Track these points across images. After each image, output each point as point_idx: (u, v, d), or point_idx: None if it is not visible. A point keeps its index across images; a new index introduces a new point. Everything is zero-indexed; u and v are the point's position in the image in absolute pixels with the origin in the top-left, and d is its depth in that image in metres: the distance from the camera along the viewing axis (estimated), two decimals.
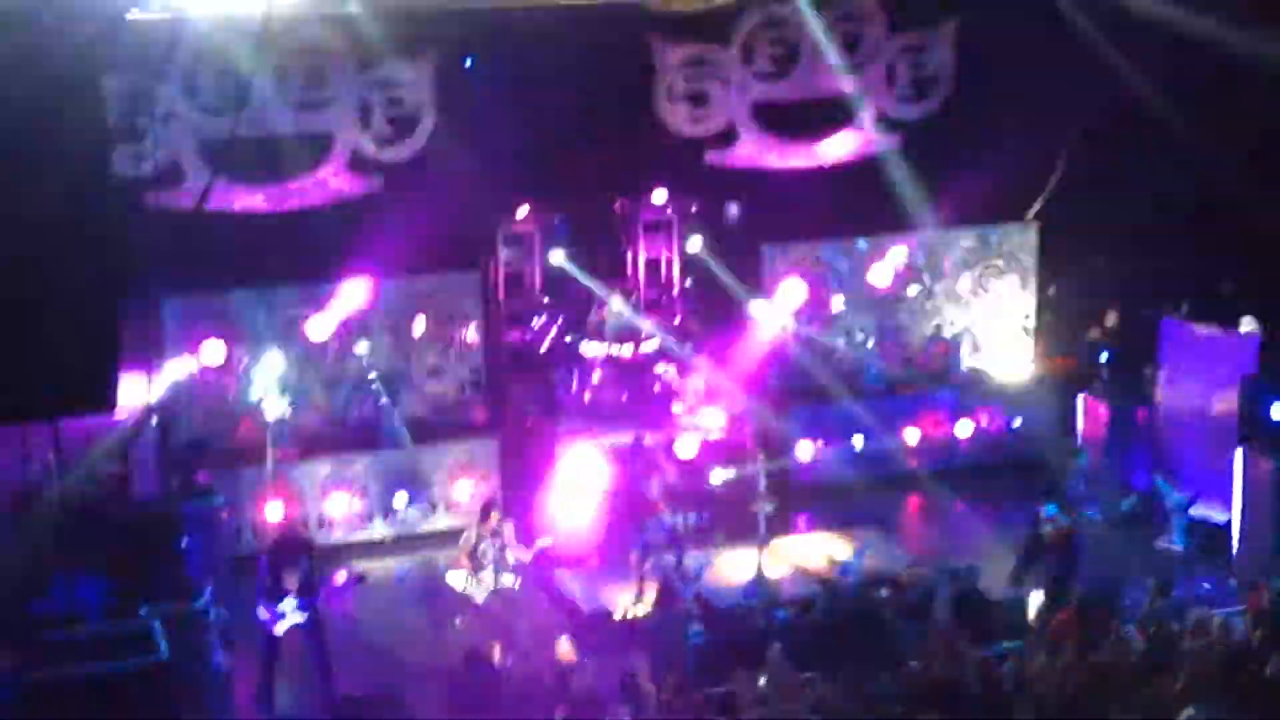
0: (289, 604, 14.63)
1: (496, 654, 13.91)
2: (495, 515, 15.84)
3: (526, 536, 16.17)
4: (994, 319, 21.04)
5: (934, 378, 20.55)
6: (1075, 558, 16.00)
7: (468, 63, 19.07)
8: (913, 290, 20.54)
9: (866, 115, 20.80)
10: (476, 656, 13.71)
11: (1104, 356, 19.24)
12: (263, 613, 14.69)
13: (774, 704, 12.12)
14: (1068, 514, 16.26)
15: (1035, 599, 14.84)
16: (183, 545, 15.09)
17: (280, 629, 14.69)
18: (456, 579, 15.69)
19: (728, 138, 20.65)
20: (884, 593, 14.62)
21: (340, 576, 15.34)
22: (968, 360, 20.72)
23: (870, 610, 14.40)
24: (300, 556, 14.88)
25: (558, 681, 13.51)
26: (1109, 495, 18.46)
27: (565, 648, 14.06)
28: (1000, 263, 20.99)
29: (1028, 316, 21.16)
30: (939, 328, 20.82)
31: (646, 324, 19.54)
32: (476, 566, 15.53)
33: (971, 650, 12.72)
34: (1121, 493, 18.44)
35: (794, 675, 12.66)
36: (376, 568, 17.63)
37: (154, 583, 14.30)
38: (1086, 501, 16.52)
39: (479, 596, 15.62)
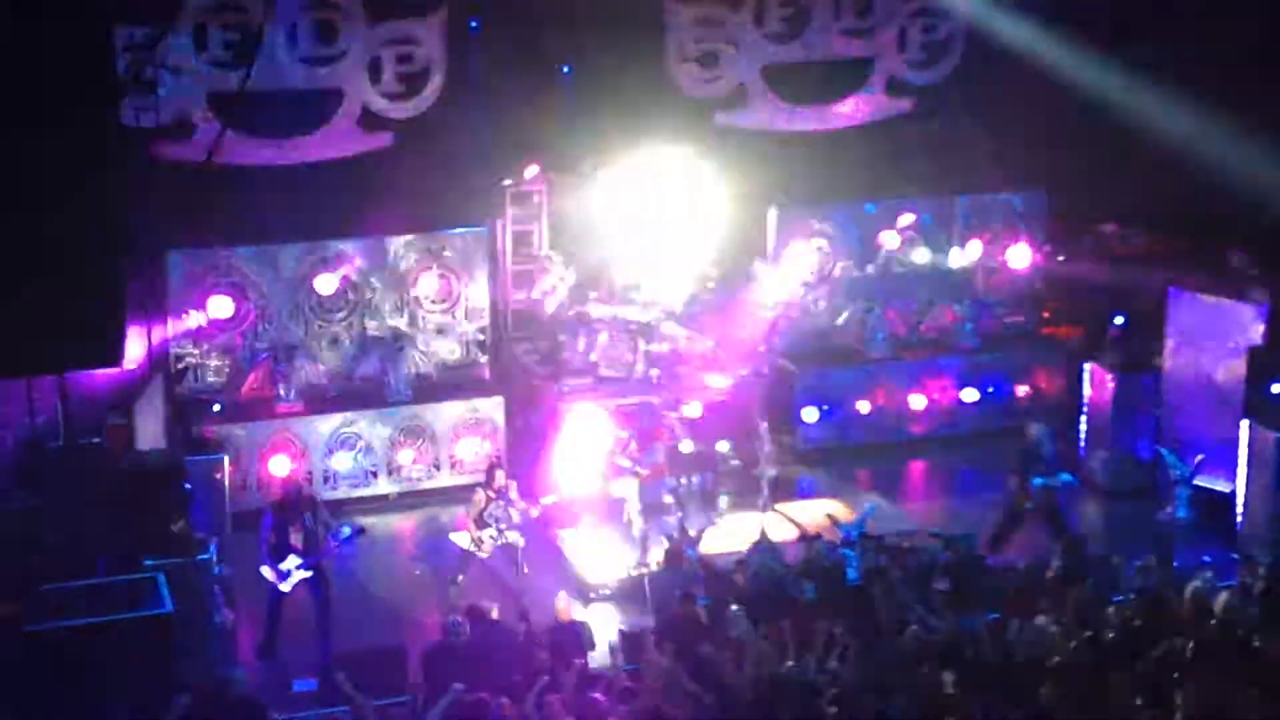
0: (292, 561, 14.67)
1: (495, 611, 13.90)
2: (500, 475, 15.91)
3: (531, 495, 16.20)
4: (999, 285, 20.97)
5: (940, 344, 20.51)
6: (1064, 520, 16.18)
7: (472, 25, 19.00)
8: (920, 256, 20.43)
9: (878, 79, 20.78)
10: (476, 613, 13.71)
11: (1118, 320, 19.15)
12: (267, 572, 14.72)
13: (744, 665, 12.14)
14: (1050, 480, 16.26)
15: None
16: (187, 499, 15.10)
17: (286, 586, 14.73)
18: (461, 539, 15.76)
19: (737, 99, 20.59)
20: (882, 559, 14.58)
21: (344, 531, 15.36)
22: (974, 326, 20.63)
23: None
24: (304, 513, 14.92)
25: (554, 637, 13.52)
26: (1115, 466, 18.51)
27: (564, 604, 14.08)
28: (1007, 229, 20.90)
29: (1035, 284, 21.09)
30: (945, 293, 20.74)
31: (654, 285, 19.48)
32: (482, 526, 15.60)
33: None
34: (1126, 468, 18.48)
35: (755, 638, 12.67)
36: (380, 524, 17.65)
37: (158, 536, 14.34)
38: (1058, 464, 16.51)
39: (484, 554, 15.69)
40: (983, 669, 11.84)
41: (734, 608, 13.29)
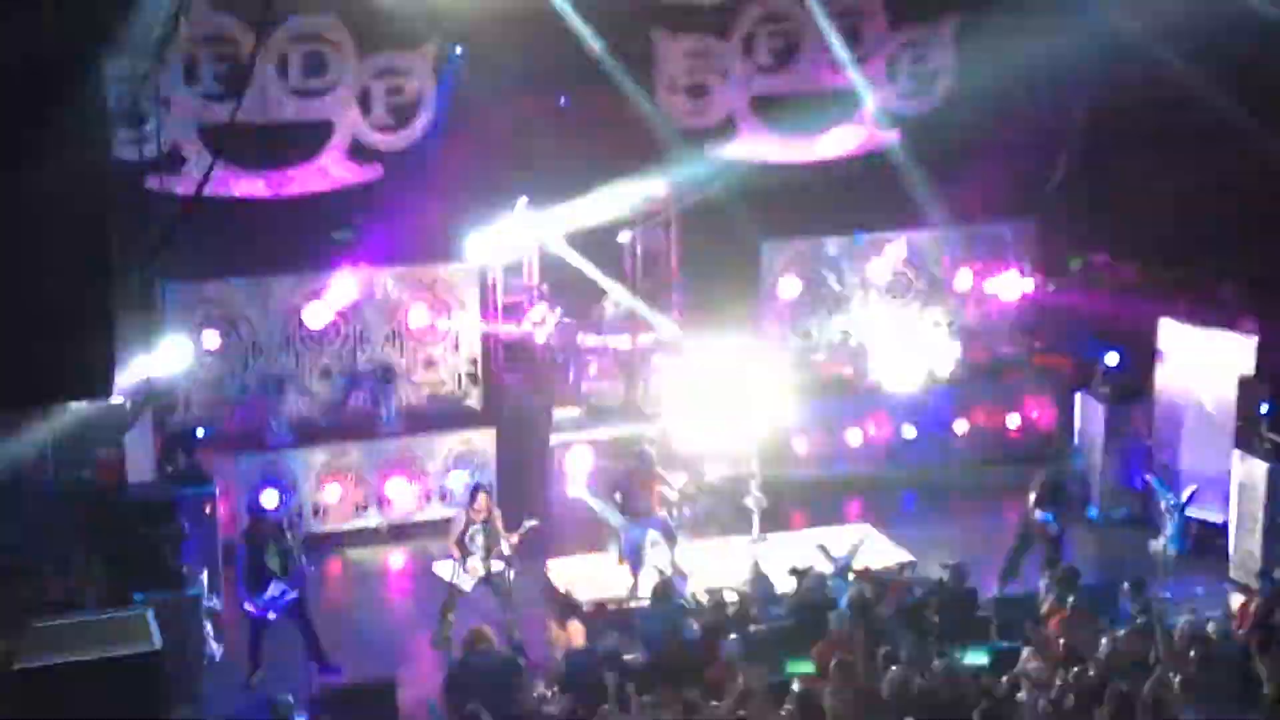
0: (275, 588, 14.56)
1: (493, 640, 13.80)
2: (484, 499, 15.70)
3: (518, 523, 16.09)
4: (990, 315, 20.99)
5: (931, 374, 20.48)
6: (1059, 556, 16.09)
7: (456, 50, 19.03)
8: (911, 286, 20.44)
9: (867, 109, 20.83)
10: (475, 641, 13.59)
11: (1110, 358, 19.10)
12: (250, 606, 14.62)
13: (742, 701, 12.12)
14: (1061, 519, 16.23)
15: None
16: (180, 528, 15.05)
17: (272, 615, 14.63)
18: (444, 569, 15.58)
19: (727, 130, 20.63)
20: (868, 594, 14.51)
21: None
22: (963, 356, 20.64)
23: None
24: (274, 539, 14.82)
25: (568, 664, 13.41)
26: (1107, 496, 18.49)
27: (575, 631, 13.92)
28: (996, 260, 20.91)
29: (1024, 314, 21.10)
30: (937, 324, 20.74)
31: (644, 316, 19.50)
32: (465, 553, 15.42)
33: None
34: (1118, 498, 18.47)
35: (754, 671, 12.65)
36: (370, 557, 17.61)
37: (148, 570, 14.28)
38: (1081, 503, 16.48)
39: (467, 585, 15.53)
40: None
41: (731, 637, 13.25)
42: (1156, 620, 13.15)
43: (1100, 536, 18.16)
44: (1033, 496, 16.45)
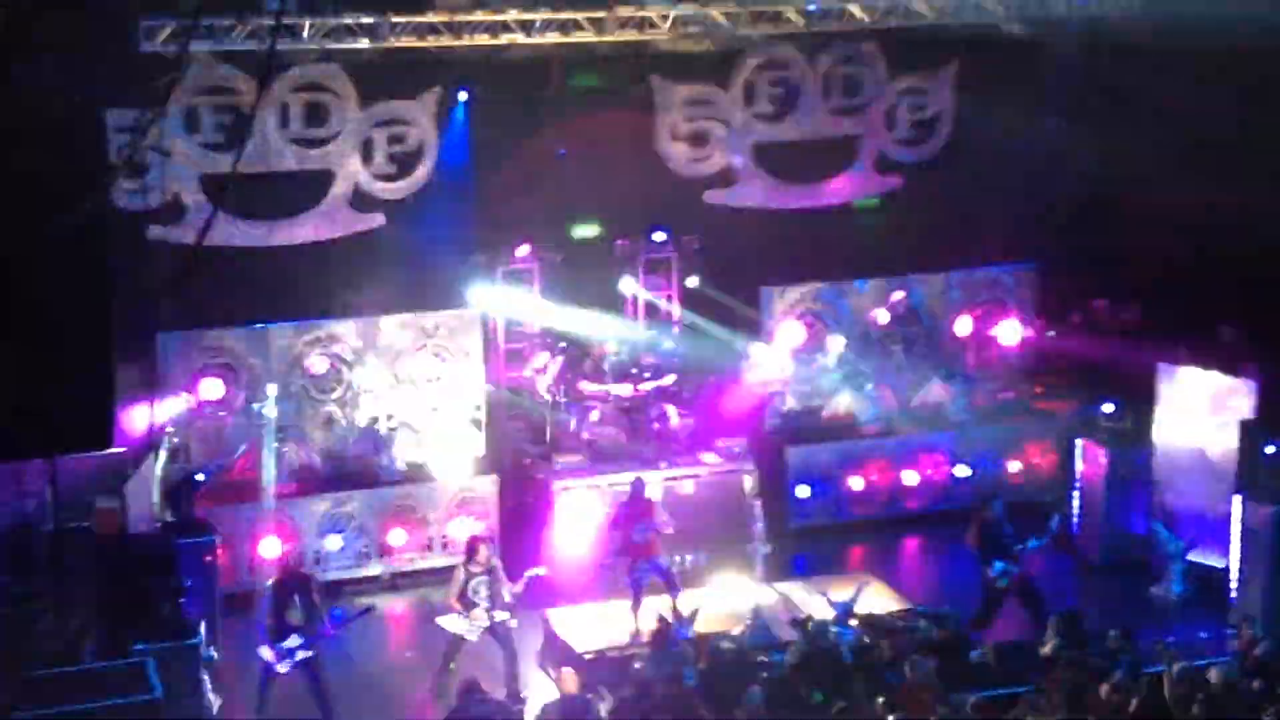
0: (294, 640, 14.50)
1: (492, 689, 13.76)
2: (484, 550, 15.66)
3: (520, 572, 16.07)
4: (991, 360, 21.00)
5: (932, 420, 20.51)
6: (1039, 595, 16.05)
7: (462, 95, 19.10)
8: (910, 333, 20.47)
9: (867, 156, 20.93)
10: (470, 690, 13.55)
11: (1107, 408, 19.06)
12: (266, 653, 14.55)
13: None
14: (1014, 562, 16.12)
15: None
16: (180, 583, 15.03)
17: (284, 668, 14.57)
18: (449, 622, 15.54)
19: (728, 178, 20.71)
20: (867, 640, 14.46)
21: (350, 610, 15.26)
22: (966, 402, 20.64)
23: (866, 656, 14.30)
24: (301, 592, 14.78)
25: (564, 713, 13.39)
26: (1108, 541, 18.45)
27: (569, 678, 13.91)
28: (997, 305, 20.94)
29: (1026, 359, 21.12)
30: (935, 369, 20.75)
31: (645, 363, 19.53)
32: (468, 605, 15.40)
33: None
34: (1119, 543, 18.43)
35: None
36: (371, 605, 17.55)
37: (148, 619, 14.26)
38: (1018, 540, 16.35)
39: (473, 636, 15.50)
40: None
41: (754, 688, 13.19)
42: (1168, 663, 13.07)
43: (1101, 582, 18.11)
44: (978, 554, 16.33)
